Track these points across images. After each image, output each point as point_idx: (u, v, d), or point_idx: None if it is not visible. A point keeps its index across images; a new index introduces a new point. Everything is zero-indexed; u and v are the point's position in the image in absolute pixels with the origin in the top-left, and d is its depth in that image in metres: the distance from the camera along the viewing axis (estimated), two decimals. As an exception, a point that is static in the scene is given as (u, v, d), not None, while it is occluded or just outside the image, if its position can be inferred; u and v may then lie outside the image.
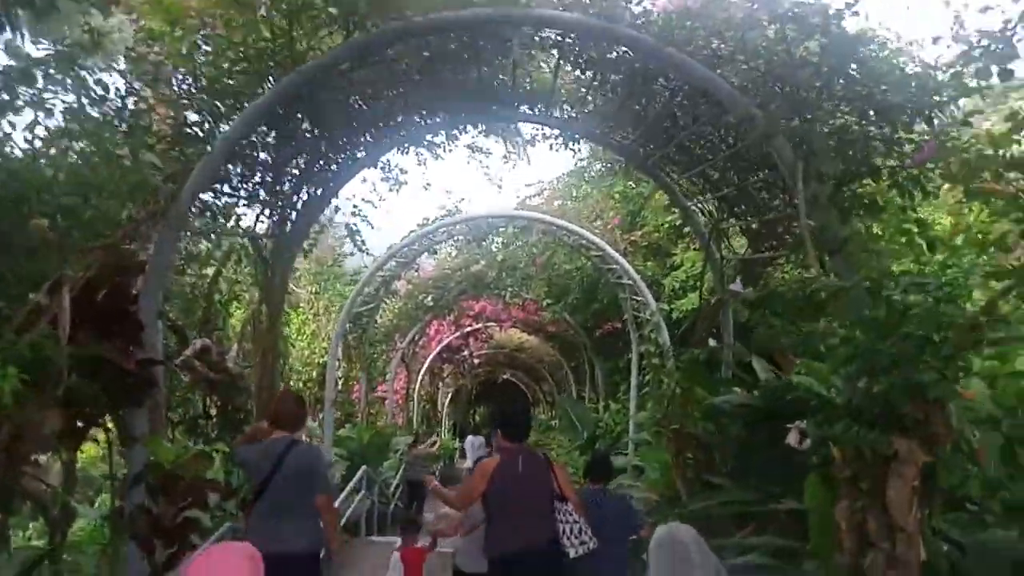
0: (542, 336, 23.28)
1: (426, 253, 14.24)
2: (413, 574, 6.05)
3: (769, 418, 5.93)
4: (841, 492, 3.78)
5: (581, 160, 14.06)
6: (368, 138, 7.69)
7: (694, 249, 11.33)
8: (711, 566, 2.61)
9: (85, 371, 4.46)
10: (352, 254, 15.39)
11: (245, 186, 6.52)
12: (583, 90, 7.01)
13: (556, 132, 8.33)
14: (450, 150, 8.51)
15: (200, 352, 11.31)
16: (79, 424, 4.74)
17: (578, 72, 6.47)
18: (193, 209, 6.34)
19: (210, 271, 12.38)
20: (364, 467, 11.20)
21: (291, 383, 24.42)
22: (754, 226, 6.94)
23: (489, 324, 23.10)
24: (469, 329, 23.19)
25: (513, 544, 4.54)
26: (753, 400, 6.38)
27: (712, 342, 7.92)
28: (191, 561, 2.05)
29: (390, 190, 9.85)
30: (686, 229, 11.38)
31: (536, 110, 7.65)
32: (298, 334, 25.15)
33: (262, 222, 7.01)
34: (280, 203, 7.13)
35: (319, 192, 7.66)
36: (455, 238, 13.55)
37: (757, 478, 6.04)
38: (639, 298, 11.27)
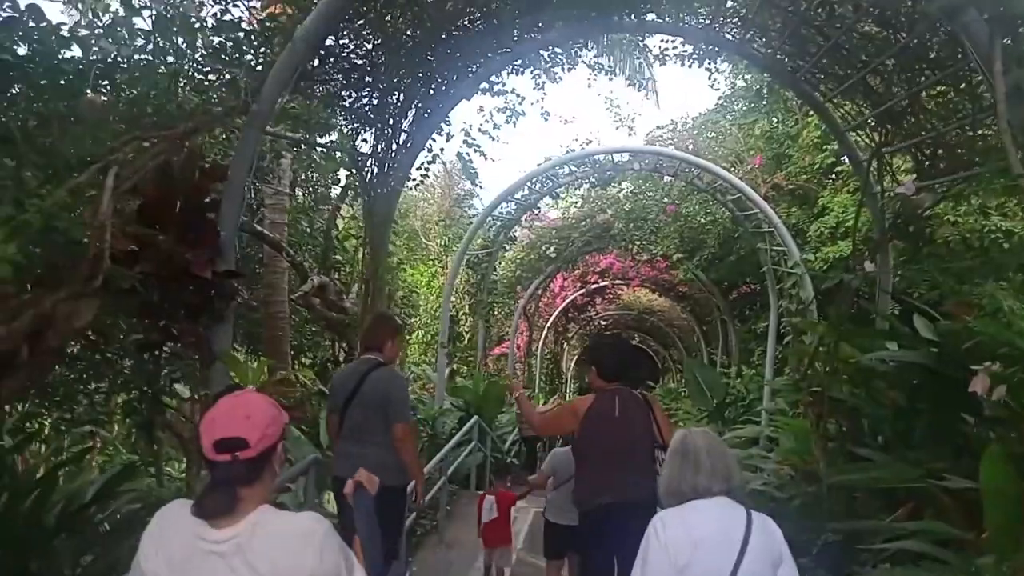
0: (673, 296, 22.07)
1: (548, 197, 13.53)
2: (504, 514, 6.17)
3: (935, 380, 4.89)
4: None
5: (720, 96, 12.80)
6: (479, 53, 7.05)
7: (846, 191, 9.98)
8: (720, 473, 2.46)
9: (161, 277, 4.22)
10: (477, 196, 14.88)
11: (344, 96, 6.05)
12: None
13: (688, 48, 7.36)
14: (569, 68, 7.71)
15: (318, 289, 11.26)
16: (156, 335, 4.61)
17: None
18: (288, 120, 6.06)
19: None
20: (476, 417, 10.79)
21: (420, 334, 24.82)
22: (926, 150, 5.73)
23: (616, 282, 22.13)
24: (595, 287, 22.31)
25: (608, 495, 3.82)
26: (917, 357, 5.26)
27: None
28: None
29: (507, 120, 9.23)
30: (837, 169, 10.04)
31: (665, 18, 6.72)
32: (427, 288, 25.42)
33: (365, 141, 6.56)
34: (385, 120, 6.67)
35: (427, 113, 7.14)
36: (578, 181, 12.73)
37: (916, 452, 5.02)
38: (780, 247, 10.09)
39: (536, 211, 14.87)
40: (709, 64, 7.80)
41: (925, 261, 8.37)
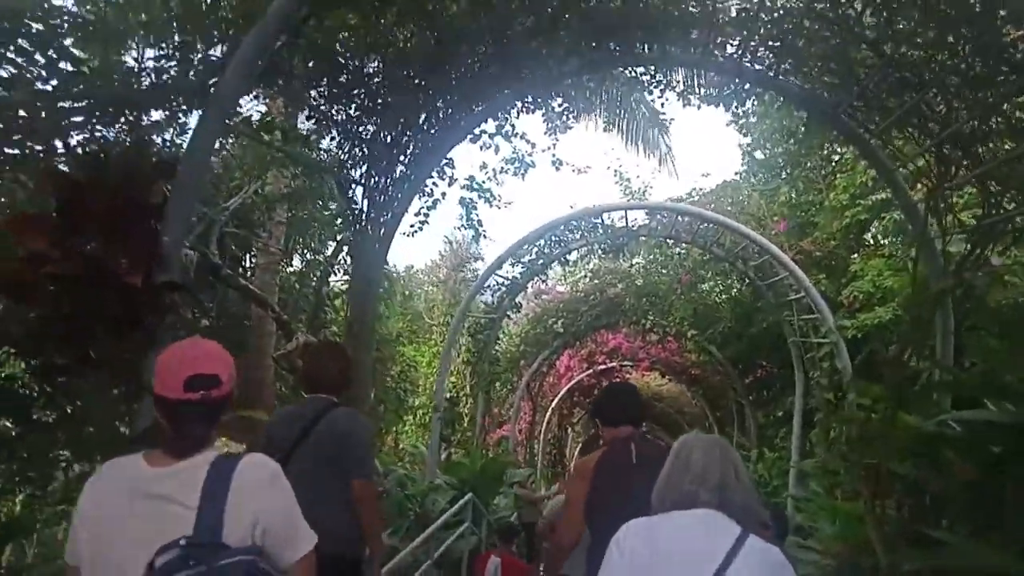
0: (684, 380, 21.07)
1: (557, 267, 12.78)
2: None
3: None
4: None
5: (741, 163, 12.18)
6: (486, 85, 6.43)
7: (880, 255, 9.21)
8: (712, 480, 2.00)
9: (77, 281, 3.41)
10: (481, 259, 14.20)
11: (334, 112, 5.37)
12: (751, 8, 5.45)
13: (712, 87, 6.77)
14: (585, 111, 7.08)
15: (303, 349, 10.38)
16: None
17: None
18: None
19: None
20: (470, 495, 9.70)
21: (416, 415, 23.76)
22: (996, 181, 4.98)
23: (625, 364, 21.17)
24: (603, 368, 21.34)
25: None
26: (1004, 416, 4.31)
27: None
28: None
29: (515, 172, 8.60)
30: (870, 231, 9.31)
31: (692, 50, 6.14)
32: (428, 367, 24.50)
33: (355, 164, 5.83)
34: (380, 147, 5.99)
35: (429, 146, 6.48)
36: (589, 246, 12.00)
37: (1002, 533, 4.05)
38: (808, 316, 9.26)
39: (544, 279, 14.11)
40: (736, 106, 7.15)
41: (977, 330, 7.51)
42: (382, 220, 6.45)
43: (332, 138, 5.82)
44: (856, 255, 9.92)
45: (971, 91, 4.61)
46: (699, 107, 7.29)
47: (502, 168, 8.21)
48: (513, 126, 7.62)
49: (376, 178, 6.27)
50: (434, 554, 7.06)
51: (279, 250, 11.15)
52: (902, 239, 8.67)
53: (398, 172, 6.48)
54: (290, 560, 1.82)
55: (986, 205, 5.20)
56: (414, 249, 72.99)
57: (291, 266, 12.08)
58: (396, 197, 6.51)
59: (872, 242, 9.69)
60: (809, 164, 11.89)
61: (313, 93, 5.33)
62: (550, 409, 21.94)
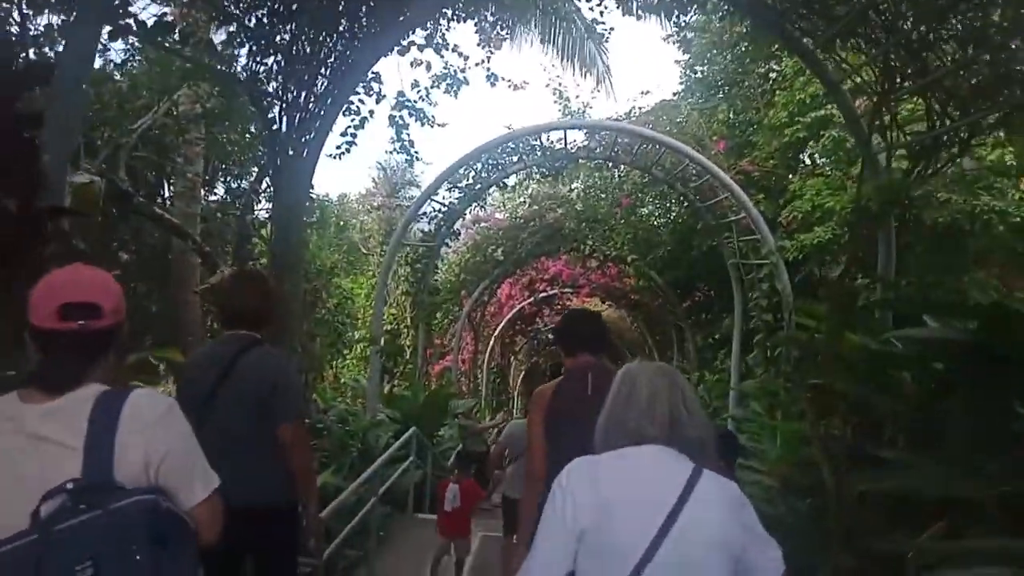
0: (624, 306, 21.21)
1: (496, 191, 12.39)
2: (467, 507, 5.98)
3: (973, 364, 3.90)
4: None
5: (680, 81, 11.93)
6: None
7: (819, 175, 9.16)
8: (660, 412, 1.78)
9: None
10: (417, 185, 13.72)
11: (243, 12, 4.81)
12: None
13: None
14: (519, 22, 6.65)
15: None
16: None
17: None
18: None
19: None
20: (414, 428, 9.54)
21: (356, 349, 23.39)
22: (941, 92, 4.81)
23: (565, 291, 21.15)
24: (544, 295, 21.29)
25: None
26: (948, 333, 4.22)
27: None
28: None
29: (448, 90, 8.12)
30: (807, 151, 9.21)
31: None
32: (366, 300, 24.03)
33: (271, 77, 5.29)
34: (297, 57, 5.46)
35: (350, 59, 5.97)
36: (528, 169, 11.63)
37: (949, 451, 4.02)
38: (748, 237, 9.18)
39: (482, 205, 13.76)
40: (677, 19, 6.82)
41: (913, 248, 7.53)
42: (304, 140, 5.97)
43: (241, 44, 5.24)
44: (794, 175, 9.85)
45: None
46: (639, 16, 6.93)
47: (433, 83, 7.71)
48: (444, 37, 7.12)
49: (294, 93, 5.75)
50: (379, 490, 6.87)
51: (198, 176, 10.45)
52: (840, 157, 8.59)
53: (319, 86, 5.97)
54: (189, 503, 1.64)
55: (931, 117, 5.05)
56: (348, 177, 70.96)
57: (214, 194, 11.48)
58: (318, 115, 6.02)
59: (809, 161, 9.61)
60: (747, 82, 11.68)
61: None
62: (493, 338, 21.89)
